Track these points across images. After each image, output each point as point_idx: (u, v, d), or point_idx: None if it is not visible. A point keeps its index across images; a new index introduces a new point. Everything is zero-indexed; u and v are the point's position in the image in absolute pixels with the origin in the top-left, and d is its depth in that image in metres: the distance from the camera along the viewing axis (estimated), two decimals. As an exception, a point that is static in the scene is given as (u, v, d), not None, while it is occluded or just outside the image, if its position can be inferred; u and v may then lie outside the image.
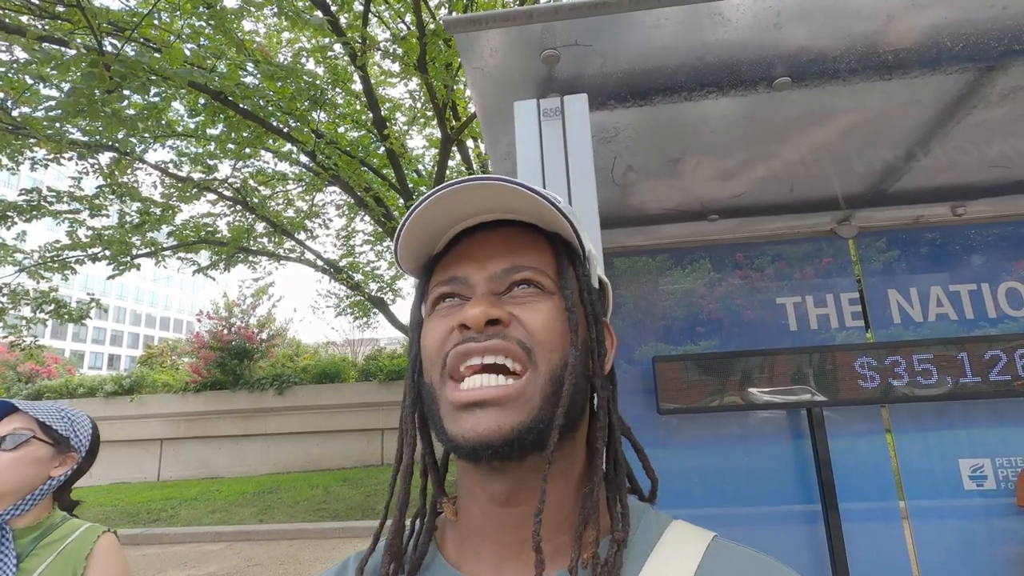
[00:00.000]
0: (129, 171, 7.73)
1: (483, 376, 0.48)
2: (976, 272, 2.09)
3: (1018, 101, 1.44)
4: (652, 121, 1.48)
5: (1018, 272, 2.07)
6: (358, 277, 9.62)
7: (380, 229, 8.93)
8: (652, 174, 1.72)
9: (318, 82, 6.61)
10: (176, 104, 7.43)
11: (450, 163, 8.13)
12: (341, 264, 9.85)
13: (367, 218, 10.17)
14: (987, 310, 2.04)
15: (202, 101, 6.63)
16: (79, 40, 4.22)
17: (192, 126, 7.76)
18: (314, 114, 6.96)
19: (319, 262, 9.55)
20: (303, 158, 8.20)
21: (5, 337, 8.55)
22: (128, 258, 8.49)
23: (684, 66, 1.28)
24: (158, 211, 8.18)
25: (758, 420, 2.05)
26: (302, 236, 9.58)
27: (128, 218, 8.10)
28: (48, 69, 4.15)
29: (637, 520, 0.53)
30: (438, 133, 8.67)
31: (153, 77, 3.91)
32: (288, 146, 7.87)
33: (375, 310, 11.98)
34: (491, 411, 0.47)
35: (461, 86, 7.74)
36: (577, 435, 0.53)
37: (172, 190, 8.24)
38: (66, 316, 8.09)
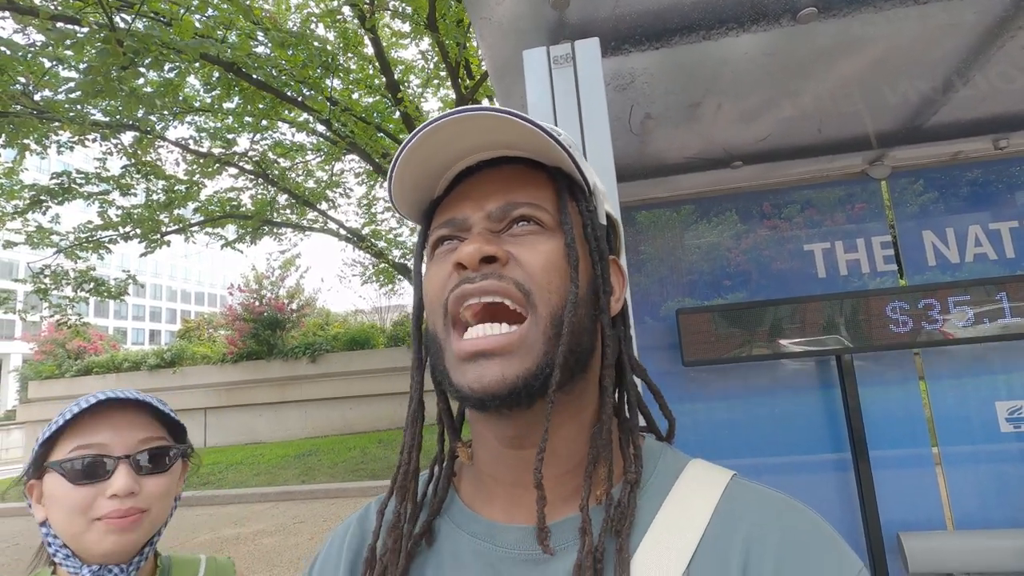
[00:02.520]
0: (152, 150, 7.83)
1: (485, 326, 0.47)
2: (1019, 208, 1.99)
3: (1069, 18, 1.33)
4: (669, 64, 1.42)
5: (1064, 206, 1.96)
6: (381, 244, 9.70)
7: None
8: (671, 121, 1.66)
9: (329, 47, 6.52)
10: (192, 80, 7.44)
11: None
12: (364, 232, 9.93)
13: (384, 185, 10.17)
14: (1030, 247, 1.95)
15: (216, 75, 6.62)
16: (91, 18, 4.22)
17: (208, 100, 7.78)
18: (327, 81, 6.89)
19: (342, 231, 9.64)
20: (319, 127, 8.17)
21: (52, 316, 8.95)
22: (158, 235, 8.71)
23: (701, 1, 1.21)
24: (183, 188, 8.32)
25: (787, 371, 2.03)
26: (324, 206, 9.66)
27: (155, 196, 8.27)
28: (64, 49, 4.18)
29: (655, 461, 0.53)
30: (453, 94, 8.51)
31: (166, 51, 3.90)
32: (304, 116, 7.85)
33: (400, 276, 12.12)
34: (495, 361, 0.46)
35: (474, 43, 7.54)
36: (588, 376, 0.52)
37: (195, 166, 8.36)
38: (105, 293, 8.41)
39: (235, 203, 8.96)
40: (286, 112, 8.08)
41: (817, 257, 2.07)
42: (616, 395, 0.56)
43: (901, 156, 2.04)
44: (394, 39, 7.85)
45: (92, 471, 0.82)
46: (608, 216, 0.59)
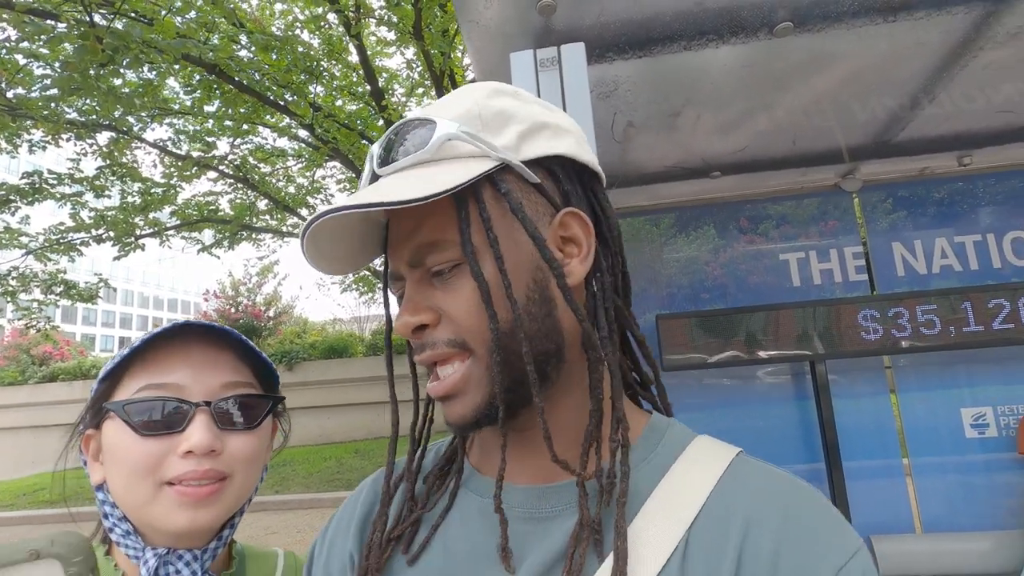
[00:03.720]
0: (128, 151, 7.69)
1: (441, 369, 0.49)
2: (981, 223, 2.07)
3: (1026, 41, 1.40)
4: (651, 73, 1.46)
5: (1023, 221, 2.05)
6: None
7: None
8: (653, 129, 1.70)
9: (312, 53, 6.50)
10: (171, 82, 7.35)
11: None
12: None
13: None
14: (992, 261, 2.03)
15: (197, 77, 6.55)
16: (70, 15, 4.16)
17: (188, 103, 7.68)
18: (311, 87, 6.87)
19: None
20: (302, 133, 8.13)
21: (19, 319, 8.66)
22: (132, 239, 8.52)
23: (682, 13, 1.25)
24: (159, 191, 8.17)
25: (763, 382, 2.08)
26: (304, 212, 9.57)
27: (130, 198, 8.10)
28: (39, 45, 4.10)
29: (659, 435, 0.53)
30: (437, 103, 8.53)
31: (146, 50, 3.86)
32: (286, 121, 7.79)
33: (380, 285, 12.05)
34: (454, 402, 0.49)
35: (459, 53, 7.60)
36: (569, 362, 0.51)
37: (172, 169, 8.22)
38: (76, 296, 8.18)
39: (213, 207, 8.82)
40: (268, 117, 8.02)
41: (792, 266, 2.13)
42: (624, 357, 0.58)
43: (871, 170, 2.11)
44: (379, 48, 7.88)
45: (164, 419, 0.63)
46: (561, 159, 0.53)
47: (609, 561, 0.43)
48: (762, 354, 1.93)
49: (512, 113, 0.51)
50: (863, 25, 1.32)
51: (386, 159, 0.51)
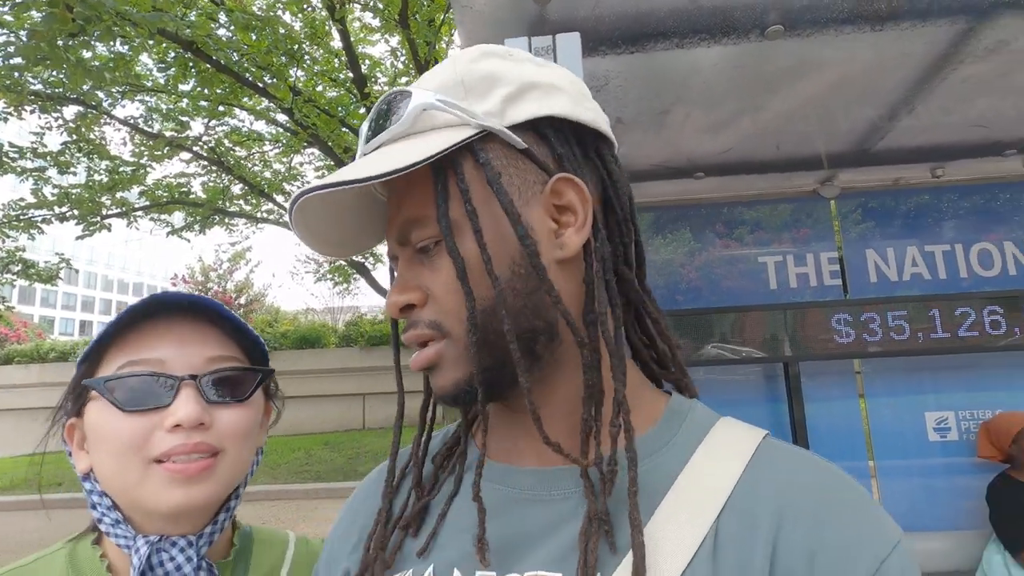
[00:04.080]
0: (96, 127, 7.41)
1: (421, 346, 0.49)
2: (950, 234, 2.14)
3: (1002, 56, 1.45)
4: (643, 70, 1.46)
5: (989, 233, 2.12)
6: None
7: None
8: (641, 127, 1.71)
9: (294, 35, 6.35)
10: (145, 59, 7.10)
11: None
12: (320, 228, 9.67)
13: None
14: (959, 270, 2.10)
15: (172, 54, 6.34)
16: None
17: (162, 81, 7.44)
18: (291, 70, 6.71)
19: (298, 225, 9.35)
20: (280, 117, 7.95)
21: (-29, 299, 8.29)
22: (98, 218, 8.22)
23: (677, 10, 1.25)
24: (128, 170, 7.90)
25: (737, 383, 2.11)
26: (280, 199, 9.38)
27: (97, 176, 7.81)
28: (4, 12, 3.90)
29: (680, 418, 0.50)
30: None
31: (120, 22, 3.71)
32: (264, 103, 7.61)
33: (356, 276, 11.89)
34: (435, 374, 0.48)
35: (444, 44, 7.53)
36: (562, 341, 0.48)
37: (143, 148, 7.95)
38: (35, 276, 7.86)
39: (185, 189, 8.57)
40: (245, 99, 7.82)
41: (770, 269, 2.16)
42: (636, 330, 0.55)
43: (849, 178, 2.16)
44: (362, 35, 7.75)
45: (148, 394, 0.60)
46: (554, 119, 0.49)
47: (630, 557, 0.40)
48: (739, 354, 1.96)
49: (499, 76, 0.48)
50: (851, 32, 1.34)
51: (370, 136, 0.49)
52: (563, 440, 0.46)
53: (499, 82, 0.48)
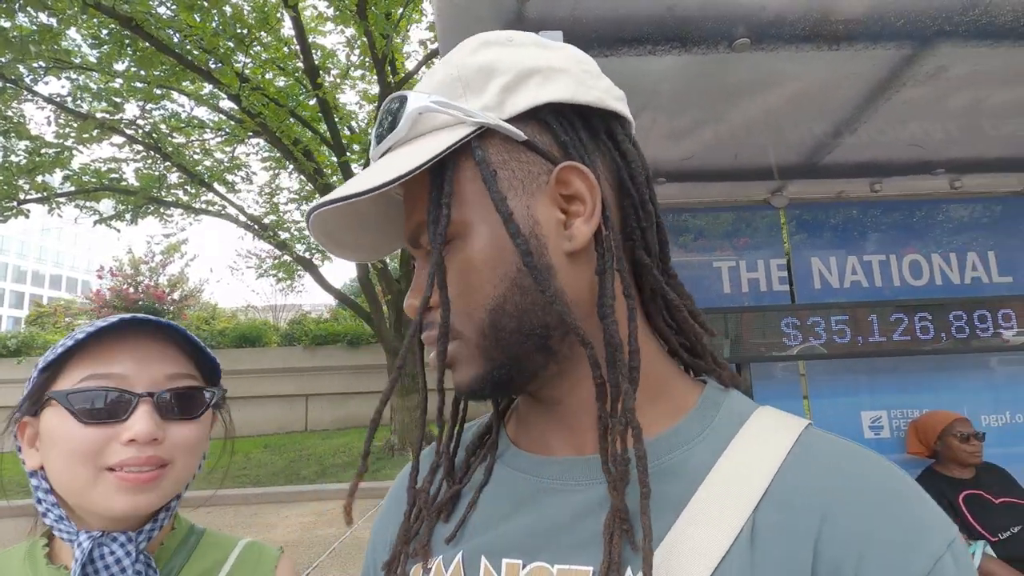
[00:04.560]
0: (16, 103, 6.82)
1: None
2: (885, 245, 2.30)
3: (939, 81, 1.57)
4: (615, 74, 1.46)
5: (919, 245, 2.30)
6: (285, 236, 9.13)
7: (311, 186, 8.48)
8: (609, 130, 1.74)
9: (243, 19, 6.07)
10: (73, 33, 6.60)
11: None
12: (266, 221, 9.30)
13: (293, 175, 9.64)
14: (892, 279, 2.25)
15: (105, 31, 5.93)
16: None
17: (93, 59, 6.94)
18: (238, 56, 6.42)
19: (241, 217, 8.95)
20: (225, 104, 7.58)
21: None
22: (14, 204, 7.57)
23: (654, 17, 1.28)
24: (51, 152, 7.31)
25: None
26: (222, 189, 8.93)
27: (14, 157, 7.18)
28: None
29: (715, 408, 0.48)
30: (373, 89, 8.28)
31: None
32: (208, 88, 7.24)
33: (300, 272, 11.49)
34: (453, 371, 0.48)
35: (399, 40, 7.41)
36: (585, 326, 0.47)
37: (67, 129, 7.37)
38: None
39: (116, 175, 8.01)
40: (186, 83, 7.40)
41: (724, 274, 2.25)
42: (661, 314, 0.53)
43: (797, 189, 2.28)
44: (314, 24, 7.50)
45: (107, 408, 0.65)
46: (556, 105, 0.47)
47: (656, 553, 0.40)
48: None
49: (495, 66, 0.47)
50: (810, 50, 1.41)
51: (377, 142, 0.49)
52: (588, 432, 0.46)
53: (495, 73, 0.47)
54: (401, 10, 6.20)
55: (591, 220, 0.46)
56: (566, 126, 0.47)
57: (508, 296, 0.45)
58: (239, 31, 5.90)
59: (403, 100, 0.47)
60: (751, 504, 0.40)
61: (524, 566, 0.45)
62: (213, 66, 6.28)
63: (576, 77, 0.48)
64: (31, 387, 0.68)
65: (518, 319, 0.45)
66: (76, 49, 6.77)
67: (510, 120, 0.46)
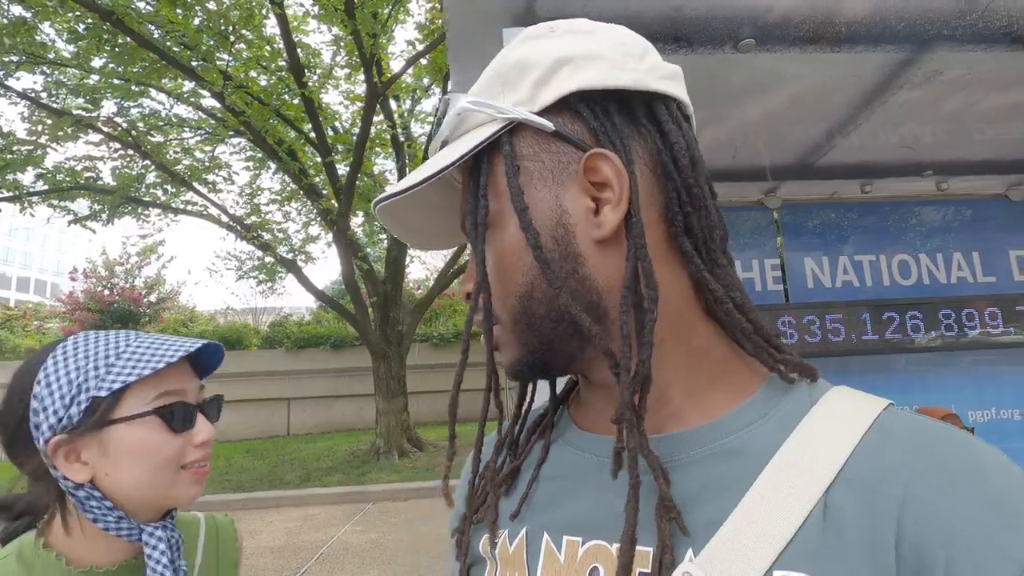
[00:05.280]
0: (-15, 99, 6.60)
1: None
2: (875, 245, 2.35)
3: (934, 85, 1.61)
4: (621, 72, 1.49)
5: (907, 246, 2.35)
6: (268, 237, 8.99)
7: (295, 186, 8.36)
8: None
9: (226, 15, 5.97)
10: (47, 28, 6.41)
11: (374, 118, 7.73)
12: (249, 222, 9.14)
13: (274, 176, 9.50)
14: (883, 279, 2.30)
15: (83, 26, 5.78)
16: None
17: (68, 55, 6.75)
18: (221, 54, 6.30)
19: (224, 218, 8.78)
20: (206, 103, 7.44)
21: None
22: (-16, 202, 7.33)
23: (663, 16, 1.30)
24: (23, 149, 7.09)
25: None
26: (203, 189, 8.76)
27: (-16, 155, 6.95)
28: None
29: (782, 389, 0.46)
30: (357, 89, 8.22)
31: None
32: (187, 86, 7.10)
33: (281, 274, 11.32)
34: (499, 353, 0.51)
35: (384, 39, 7.36)
36: (611, 313, 0.47)
37: (40, 126, 7.15)
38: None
39: (92, 174, 7.80)
40: (165, 82, 7.25)
41: (720, 273, 2.27)
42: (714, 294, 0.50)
43: (790, 190, 2.32)
44: (296, 23, 7.42)
45: (187, 419, 0.79)
46: (586, 92, 0.46)
47: (709, 549, 0.39)
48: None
49: (528, 60, 0.48)
50: (813, 51, 1.44)
51: (434, 138, 0.54)
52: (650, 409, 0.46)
53: (529, 67, 0.48)
54: (388, 9, 6.16)
55: (619, 207, 0.45)
56: (597, 112, 0.47)
57: (536, 284, 0.46)
58: (223, 28, 5.80)
59: (447, 102, 0.51)
60: (823, 484, 0.39)
61: (583, 543, 0.46)
62: (195, 64, 6.16)
63: (612, 61, 0.47)
64: (83, 409, 0.73)
65: (546, 305, 0.46)
66: (51, 44, 6.58)
67: (544, 112, 0.47)
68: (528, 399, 0.59)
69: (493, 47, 1.19)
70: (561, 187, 0.47)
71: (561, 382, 0.60)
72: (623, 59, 0.48)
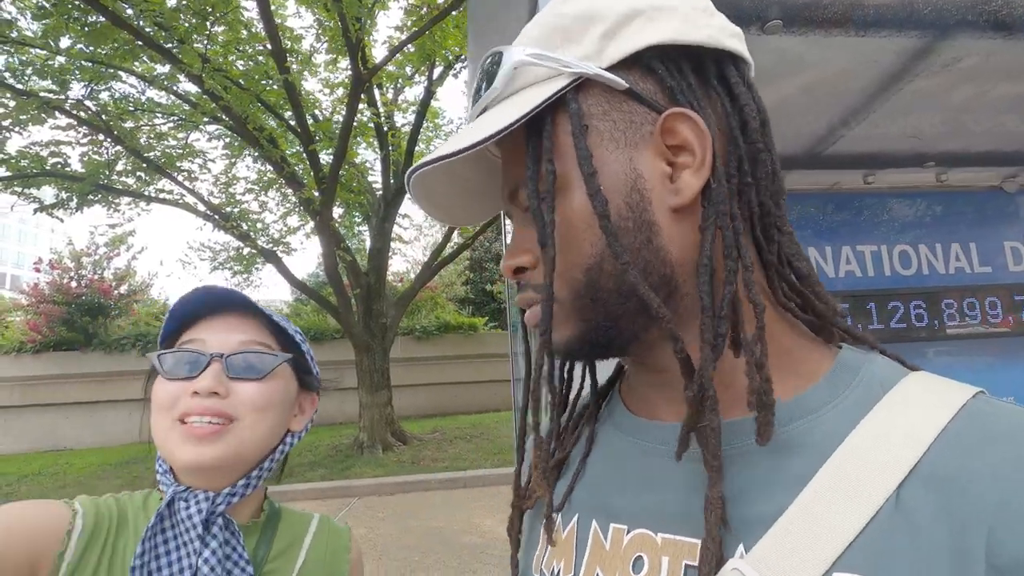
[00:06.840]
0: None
1: (531, 308, 0.50)
2: (878, 235, 2.36)
3: (951, 73, 1.60)
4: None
5: (907, 236, 2.37)
6: (246, 227, 8.75)
7: (274, 175, 8.15)
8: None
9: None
10: (8, 6, 6.10)
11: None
12: (227, 211, 8.87)
13: (250, 164, 9.25)
14: (884, 269, 2.32)
15: (49, 3, 5.50)
16: None
17: (32, 34, 6.43)
18: (198, 36, 6.07)
19: (200, 207, 8.51)
20: (182, 88, 7.18)
21: None
22: (-58, 189, 6.96)
23: (693, -7, 1.25)
24: (-15, 133, 6.75)
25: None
26: (181, 177, 8.47)
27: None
28: None
29: (853, 372, 0.43)
30: (336, 77, 8.03)
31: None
32: (162, 69, 6.83)
33: (258, 266, 11.06)
34: (552, 331, 0.47)
35: (368, 25, 7.19)
36: (684, 288, 0.44)
37: (3, 108, 6.81)
38: None
39: (59, 160, 7.46)
40: (137, 64, 6.96)
41: (726, 263, 2.27)
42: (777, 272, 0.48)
43: (795, 180, 2.32)
44: (275, 6, 7.19)
45: (184, 365, 0.74)
46: (661, 47, 0.44)
47: (761, 546, 0.36)
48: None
49: (594, 11, 0.44)
50: (837, 35, 1.42)
51: (475, 100, 0.48)
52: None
53: (594, 19, 0.44)
54: (373, -5, 6.01)
55: (700, 172, 0.43)
56: (672, 70, 0.44)
57: (607, 255, 0.42)
58: (201, 8, 5.58)
59: (499, 56, 0.46)
60: (895, 479, 0.35)
61: (628, 532, 0.45)
62: (169, 46, 5.91)
63: (683, 15, 0.44)
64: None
65: (616, 278, 0.43)
66: (14, 21, 6.25)
67: (612, 68, 0.44)
68: (579, 386, 0.58)
69: (519, 10, 1.13)
70: (634, 149, 0.43)
71: (603, 371, 0.58)
72: (695, 14, 0.45)
